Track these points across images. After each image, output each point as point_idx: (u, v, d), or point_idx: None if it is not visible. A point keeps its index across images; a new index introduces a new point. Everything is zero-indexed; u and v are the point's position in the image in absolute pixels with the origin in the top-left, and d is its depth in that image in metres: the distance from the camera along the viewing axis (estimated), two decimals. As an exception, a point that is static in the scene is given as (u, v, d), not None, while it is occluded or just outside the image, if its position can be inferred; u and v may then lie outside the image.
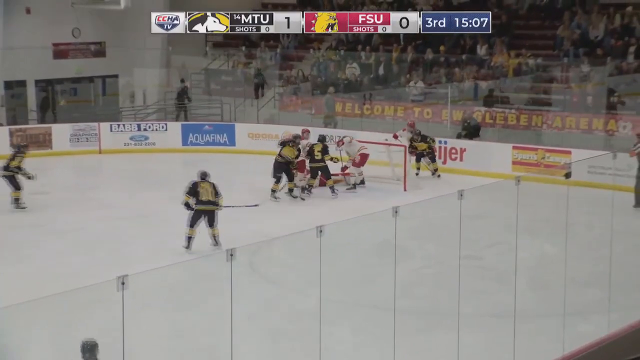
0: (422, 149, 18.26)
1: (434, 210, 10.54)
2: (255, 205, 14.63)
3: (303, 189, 16.76)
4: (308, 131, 17.89)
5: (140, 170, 15.74)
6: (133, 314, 6.63)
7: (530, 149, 18.27)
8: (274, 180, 16.34)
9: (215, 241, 13.13)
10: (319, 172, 16.80)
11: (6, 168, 15.88)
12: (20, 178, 15.88)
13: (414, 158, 18.32)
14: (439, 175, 18.25)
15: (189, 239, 13.06)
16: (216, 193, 13.15)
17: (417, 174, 18.25)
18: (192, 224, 13.07)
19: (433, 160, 18.38)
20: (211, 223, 13.12)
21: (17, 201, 15.89)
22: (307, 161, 16.80)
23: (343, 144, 17.57)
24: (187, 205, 13.17)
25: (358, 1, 25.19)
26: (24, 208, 15.88)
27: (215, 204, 13.12)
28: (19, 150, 16.36)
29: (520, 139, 18.90)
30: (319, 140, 16.93)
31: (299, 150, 16.58)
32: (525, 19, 23.20)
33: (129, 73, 25.80)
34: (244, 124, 22.29)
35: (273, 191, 16.33)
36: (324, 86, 23.32)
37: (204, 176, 13.28)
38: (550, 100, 20.18)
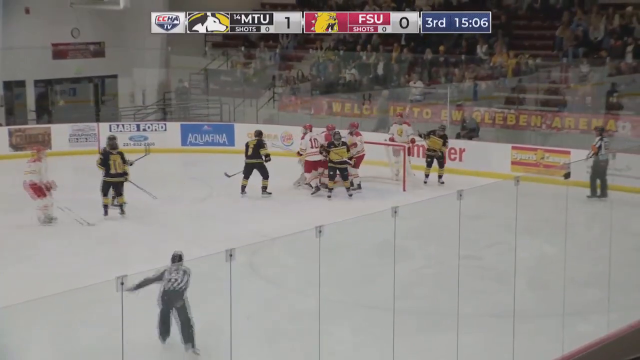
0: (436, 147, 17.62)
1: (434, 210, 10.53)
2: (154, 197, 15.55)
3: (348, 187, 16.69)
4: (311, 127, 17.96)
5: (140, 171, 15.78)
6: (133, 314, 6.64)
7: (529, 149, 18.27)
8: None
9: (122, 210, 14.92)
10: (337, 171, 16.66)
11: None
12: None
13: (414, 158, 18.19)
14: (442, 182, 17.75)
15: (105, 206, 14.97)
16: (124, 162, 14.87)
17: (425, 182, 17.74)
18: (105, 193, 14.98)
19: (441, 166, 17.78)
20: (118, 193, 14.95)
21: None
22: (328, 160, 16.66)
23: (359, 135, 17.35)
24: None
25: (357, 2, 25.19)
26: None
27: (122, 175, 14.88)
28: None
29: (520, 139, 18.91)
30: (334, 138, 16.68)
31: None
32: (524, 19, 23.21)
33: (128, 73, 25.79)
34: (243, 124, 22.27)
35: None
36: (324, 86, 23.32)
37: (113, 147, 14.97)
38: (564, 100, 19.96)
